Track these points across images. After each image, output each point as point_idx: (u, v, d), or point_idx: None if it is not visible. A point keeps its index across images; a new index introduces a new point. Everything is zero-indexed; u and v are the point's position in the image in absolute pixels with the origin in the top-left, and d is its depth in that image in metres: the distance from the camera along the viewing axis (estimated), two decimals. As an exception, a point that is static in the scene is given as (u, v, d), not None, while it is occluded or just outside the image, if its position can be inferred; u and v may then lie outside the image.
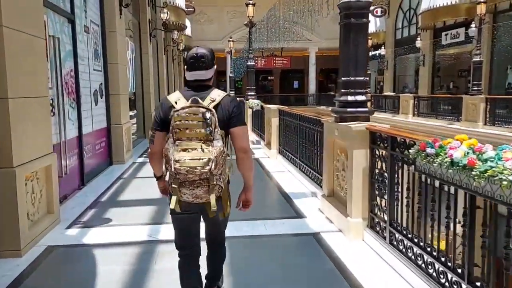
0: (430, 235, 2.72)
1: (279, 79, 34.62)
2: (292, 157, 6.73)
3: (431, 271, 2.66)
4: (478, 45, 14.20)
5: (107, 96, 7.35)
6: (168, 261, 3.16)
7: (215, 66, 2.22)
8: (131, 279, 2.97)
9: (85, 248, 3.61)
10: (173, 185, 2.02)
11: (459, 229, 2.43)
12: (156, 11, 13.27)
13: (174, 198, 2.06)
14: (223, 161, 2.03)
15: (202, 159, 1.94)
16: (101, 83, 7.13)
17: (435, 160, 2.33)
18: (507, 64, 16.02)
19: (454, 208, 2.44)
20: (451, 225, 2.49)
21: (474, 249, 2.25)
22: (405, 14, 23.35)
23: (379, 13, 23.55)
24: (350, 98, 3.88)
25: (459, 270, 2.39)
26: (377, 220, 3.47)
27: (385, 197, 3.31)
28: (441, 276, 2.54)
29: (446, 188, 2.47)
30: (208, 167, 1.94)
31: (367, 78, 4.14)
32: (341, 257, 3.29)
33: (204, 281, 2.44)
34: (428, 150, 2.40)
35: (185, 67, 2.18)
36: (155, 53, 13.44)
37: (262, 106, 10.26)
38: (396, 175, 3.16)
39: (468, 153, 2.10)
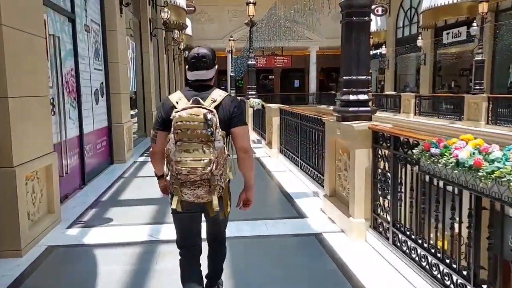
0: (433, 236, 2.70)
1: (279, 78, 34.60)
2: (293, 156, 6.70)
3: (435, 272, 2.63)
4: (480, 44, 14.15)
5: (108, 95, 7.33)
6: (169, 261, 3.14)
7: (216, 66, 2.23)
8: (132, 279, 2.96)
9: (85, 248, 3.59)
10: (175, 185, 2.05)
11: (464, 231, 2.40)
12: (156, 10, 13.26)
13: (175, 198, 2.09)
14: (224, 161, 2.06)
15: (203, 160, 1.96)
16: (102, 82, 7.12)
17: (439, 161, 2.30)
18: (509, 63, 15.94)
19: (459, 209, 2.41)
20: (456, 226, 2.46)
21: (480, 250, 2.22)
22: (406, 13, 23.26)
23: (380, 12, 23.48)
24: (352, 97, 3.85)
25: (465, 272, 2.36)
26: (380, 220, 3.44)
27: (388, 197, 3.29)
28: (446, 278, 2.52)
29: (450, 188, 2.44)
30: (209, 168, 1.96)
31: (369, 77, 4.11)
32: (343, 258, 3.26)
33: (204, 280, 2.44)
34: (433, 150, 2.38)
35: (187, 66, 2.19)
36: (155, 52, 13.43)
37: (263, 105, 10.20)
38: (399, 175, 3.13)
39: (474, 153, 2.07)
